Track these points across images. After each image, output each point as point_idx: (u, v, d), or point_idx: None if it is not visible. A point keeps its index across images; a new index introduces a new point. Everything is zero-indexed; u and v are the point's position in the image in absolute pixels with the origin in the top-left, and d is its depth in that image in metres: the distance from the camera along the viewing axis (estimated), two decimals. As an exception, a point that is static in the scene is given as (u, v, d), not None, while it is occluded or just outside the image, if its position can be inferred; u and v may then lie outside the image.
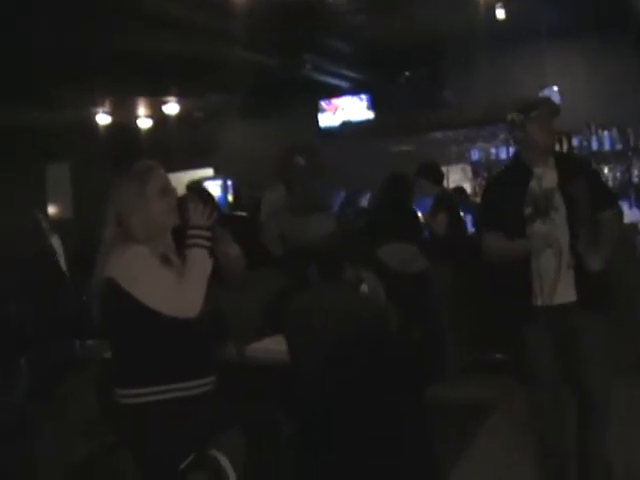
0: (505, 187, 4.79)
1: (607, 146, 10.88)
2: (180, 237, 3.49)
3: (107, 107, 14.16)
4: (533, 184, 4.59)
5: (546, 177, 4.60)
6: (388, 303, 4.64)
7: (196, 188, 9.15)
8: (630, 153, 10.83)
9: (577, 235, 4.47)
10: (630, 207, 10.03)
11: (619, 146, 10.86)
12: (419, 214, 8.10)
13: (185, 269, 3.31)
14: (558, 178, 4.59)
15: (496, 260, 4.76)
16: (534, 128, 4.65)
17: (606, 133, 10.86)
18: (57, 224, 15.67)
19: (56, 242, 7.56)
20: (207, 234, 3.40)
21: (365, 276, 4.65)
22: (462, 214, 8.80)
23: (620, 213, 4.92)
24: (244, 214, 9.00)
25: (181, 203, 3.48)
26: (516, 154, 4.98)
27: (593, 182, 4.65)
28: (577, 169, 4.70)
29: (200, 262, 3.34)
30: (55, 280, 7.21)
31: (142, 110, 14.89)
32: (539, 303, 4.55)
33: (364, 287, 4.51)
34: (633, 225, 8.62)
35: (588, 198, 4.46)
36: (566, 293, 4.52)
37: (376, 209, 8.84)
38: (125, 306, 3.23)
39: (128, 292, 3.21)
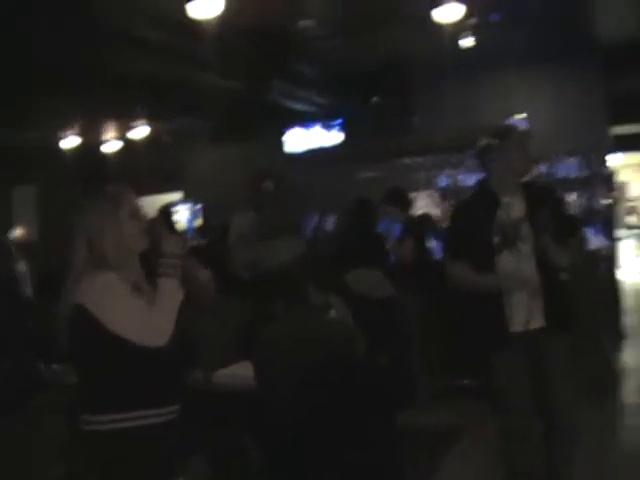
0: (473, 215, 4.81)
1: (573, 173, 10.96)
2: (148, 263, 3.47)
3: (75, 129, 14.09)
4: (501, 213, 4.63)
5: (514, 206, 4.65)
6: (356, 328, 4.65)
7: (168, 213, 9.17)
8: (595, 180, 10.93)
9: (544, 265, 4.54)
10: (594, 233, 10.12)
11: (584, 173, 10.95)
12: (386, 239, 8.10)
13: (156, 298, 3.29)
14: (526, 208, 4.64)
15: (462, 289, 4.78)
16: (513, 152, 4.70)
17: (572, 160, 10.95)
18: (23, 246, 15.61)
19: (22, 267, 7.53)
20: (178, 263, 3.39)
21: (333, 301, 4.66)
22: (430, 240, 8.84)
23: (583, 239, 4.98)
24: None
25: (150, 227, 3.47)
26: (483, 181, 5.00)
27: (558, 211, 4.73)
28: (543, 198, 4.74)
29: (171, 292, 3.33)
30: (18, 305, 7.17)
31: (111, 133, 14.83)
32: (513, 330, 4.60)
33: (333, 312, 4.52)
34: (597, 251, 8.72)
35: (553, 227, 4.52)
36: (533, 320, 4.60)
37: (342, 234, 8.86)
38: (93, 333, 3.20)
39: (97, 319, 3.18)
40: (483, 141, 4.87)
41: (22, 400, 5.67)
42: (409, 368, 7.61)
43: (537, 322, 4.62)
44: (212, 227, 10.69)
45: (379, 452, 4.00)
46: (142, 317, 3.21)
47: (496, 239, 4.59)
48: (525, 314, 4.60)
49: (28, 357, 6.24)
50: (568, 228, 4.78)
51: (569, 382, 4.73)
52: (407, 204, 8.38)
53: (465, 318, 5.11)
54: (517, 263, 4.58)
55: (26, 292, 7.56)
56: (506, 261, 4.59)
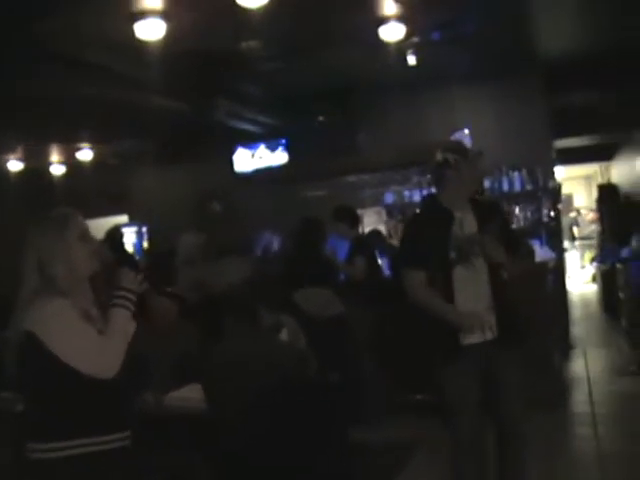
0: (426, 230, 4.86)
1: (517, 187, 11.08)
2: (95, 287, 3.45)
3: (19, 154, 13.95)
4: (456, 229, 4.70)
5: (466, 222, 4.74)
6: (307, 347, 4.66)
7: (115, 236, 9.10)
8: (540, 193, 11.07)
9: (495, 279, 4.69)
10: (541, 246, 10.25)
11: (529, 186, 11.07)
12: (333, 257, 8.11)
13: (107, 329, 3.26)
14: (477, 223, 4.75)
15: (419, 305, 4.83)
16: (467, 170, 4.79)
17: (516, 174, 11.07)
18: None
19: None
20: (133, 298, 3.37)
21: (285, 321, 4.66)
22: (379, 257, 8.88)
23: (530, 252, 5.10)
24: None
25: (100, 250, 3.45)
26: (433, 197, 5.07)
27: (504, 226, 4.92)
28: (491, 213, 4.88)
29: (123, 324, 3.30)
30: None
31: (55, 157, 14.70)
32: (465, 342, 4.70)
33: (284, 332, 4.52)
34: (544, 263, 8.82)
35: (501, 243, 4.65)
36: (488, 332, 4.71)
37: (288, 254, 8.85)
38: (42, 361, 3.16)
39: (46, 347, 3.14)
40: (439, 156, 4.91)
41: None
42: (360, 385, 7.62)
43: (489, 334, 4.72)
44: (157, 249, 10.64)
45: (332, 469, 4.00)
46: (91, 347, 3.17)
47: (451, 254, 4.66)
48: (478, 327, 4.68)
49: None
50: (513, 243, 4.89)
51: (519, 392, 4.82)
52: (355, 221, 8.41)
53: (417, 332, 5.16)
54: (471, 277, 4.68)
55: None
56: (460, 275, 4.68)
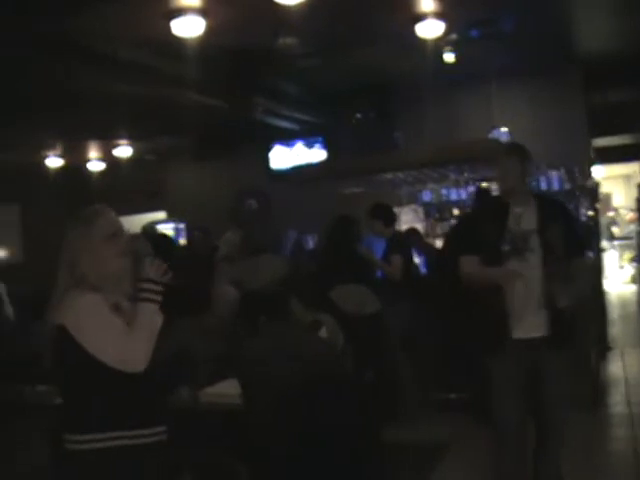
0: (483, 222, 4.99)
1: (556, 186, 10.99)
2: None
3: (58, 150, 14.10)
4: (512, 223, 4.77)
5: (525, 218, 4.78)
6: (345, 346, 4.65)
7: (152, 232, 9.15)
8: (578, 192, 10.97)
9: (549, 276, 4.66)
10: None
11: (567, 185, 10.98)
12: (370, 255, 8.09)
13: (134, 323, 3.27)
14: (537, 221, 4.77)
15: (472, 284, 4.94)
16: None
17: (554, 173, 10.98)
18: (6, 267, 15.57)
19: (1, 289, 7.52)
20: (159, 289, 3.36)
21: (324, 319, 4.66)
22: (415, 255, 8.85)
23: (587, 260, 5.05)
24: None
25: (131, 248, 3.44)
26: (487, 191, 5.18)
27: (569, 228, 4.85)
28: (557, 213, 4.90)
29: (150, 317, 3.29)
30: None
31: (94, 153, 14.83)
32: (513, 336, 4.75)
33: (323, 330, 4.51)
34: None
35: (562, 244, 4.69)
36: (537, 329, 4.74)
37: (323, 251, 8.84)
38: (74, 354, 3.18)
39: (76, 340, 3.17)
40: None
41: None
42: (395, 383, 7.61)
43: (539, 331, 4.75)
44: (196, 246, 10.67)
45: (364, 468, 3.99)
46: (120, 342, 3.18)
47: (505, 247, 4.73)
48: (527, 322, 4.73)
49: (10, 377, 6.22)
50: (576, 248, 4.89)
51: (562, 395, 4.86)
52: (391, 219, 8.37)
53: (463, 324, 5.45)
54: (522, 271, 4.70)
55: (6, 314, 7.51)
56: (513, 267, 4.73)
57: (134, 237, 3.53)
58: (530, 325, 4.74)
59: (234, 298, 5.98)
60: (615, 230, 20.36)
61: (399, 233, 8.61)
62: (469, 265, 4.95)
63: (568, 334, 4.84)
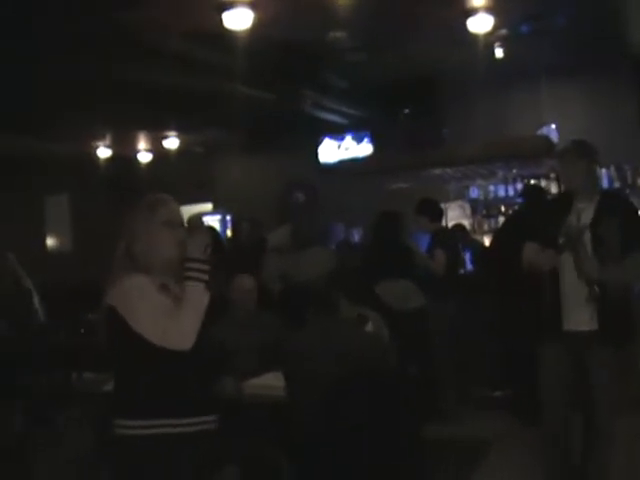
0: (546, 213, 5.30)
1: (605, 184, 10.88)
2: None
3: (108, 141, 14.22)
4: (572, 218, 4.84)
5: (585, 213, 4.85)
6: (389, 341, 4.65)
7: (197, 222, 9.18)
8: (628, 191, 10.85)
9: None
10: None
11: (617, 184, 10.87)
12: (414, 250, 8.07)
13: (182, 302, 3.27)
14: (593, 216, 4.84)
15: (533, 270, 5.02)
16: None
17: (604, 171, 10.86)
18: (56, 256, 15.76)
19: (29, 284, 7.63)
20: (205, 267, 3.35)
21: (370, 315, 4.67)
22: (462, 251, 8.80)
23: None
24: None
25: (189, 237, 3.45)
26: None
27: (627, 223, 4.83)
28: (615, 208, 4.92)
29: (196, 296, 3.29)
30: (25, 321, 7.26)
31: (142, 144, 14.94)
32: (564, 328, 4.83)
33: (369, 325, 4.52)
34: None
35: (618, 239, 4.71)
36: (588, 322, 4.78)
37: (369, 246, 8.83)
38: (123, 334, 3.20)
39: (125, 320, 3.19)
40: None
41: (52, 407, 5.72)
42: (439, 380, 7.60)
43: (590, 325, 4.78)
44: (243, 239, 10.71)
45: (406, 463, 3.99)
46: (165, 319, 3.19)
47: (561, 240, 4.78)
48: (577, 315, 4.79)
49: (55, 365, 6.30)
50: (634, 243, 4.80)
51: (611, 391, 4.83)
52: (438, 215, 8.34)
53: (509, 320, 6.05)
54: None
55: (35, 307, 7.60)
56: (567, 261, 4.79)
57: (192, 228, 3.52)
58: (579, 318, 4.78)
59: (251, 287, 6.02)
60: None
61: (443, 229, 8.57)
62: (531, 251, 5.06)
63: (619, 330, 4.81)
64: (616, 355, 4.83)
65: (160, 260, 3.37)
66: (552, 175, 10.64)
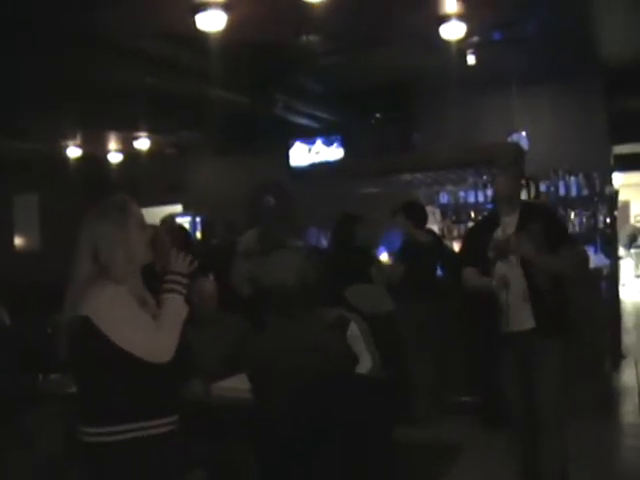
0: (479, 233, 5.61)
1: (574, 191, 10.95)
2: (149, 276, 3.47)
3: (78, 140, 14.14)
4: (498, 231, 5.26)
5: (509, 225, 5.26)
6: (371, 343, 4.68)
7: (171, 224, 9.17)
8: (596, 199, 10.93)
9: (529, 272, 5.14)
10: (595, 252, 10.14)
11: (585, 191, 10.94)
12: (372, 254, 8.07)
13: (161, 314, 3.28)
14: (517, 224, 5.23)
15: (471, 291, 5.43)
16: (498, 177, 5.47)
17: (573, 178, 10.94)
18: (24, 256, 15.66)
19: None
20: (185, 281, 3.38)
21: (352, 317, 4.69)
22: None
23: (580, 252, 5.41)
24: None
25: (154, 239, 3.45)
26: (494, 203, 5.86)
27: (550, 224, 5.24)
28: (535, 215, 5.29)
29: (176, 308, 3.31)
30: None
31: (113, 144, 14.87)
32: (504, 330, 5.19)
33: (352, 326, 4.53)
34: (598, 270, 8.72)
35: (542, 241, 5.05)
36: (525, 322, 5.15)
37: (330, 250, 8.78)
38: (97, 346, 3.18)
39: (103, 333, 3.17)
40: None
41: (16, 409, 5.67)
42: (410, 384, 7.61)
43: (527, 324, 5.14)
44: (217, 242, 10.71)
45: (375, 467, 4.00)
46: (148, 333, 3.20)
47: (491, 253, 5.20)
48: (515, 316, 5.15)
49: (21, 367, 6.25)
50: (561, 238, 5.23)
51: (554, 382, 5.14)
52: (422, 219, 8.26)
53: (464, 325, 6.49)
54: (507, 270, 5.15)
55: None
56: (499, 269, 5.19)
57: (157, 229, 3.53)
58: (519, 318, 5.14)
59: (211, 291, 6.01)
60: (632, 238, 20.18)
61: (413, 242, 8.29)
62: (469, 276, 5.44)
63: (555, 324, 5.14)
64: (555, 349, 5.15)
65: (137, 264, 3.36)
66: (522, 182, 10.70)
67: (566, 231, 5.88)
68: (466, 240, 6.30)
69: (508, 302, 5.13)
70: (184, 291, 3.36)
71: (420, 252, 7.95)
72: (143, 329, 3.20)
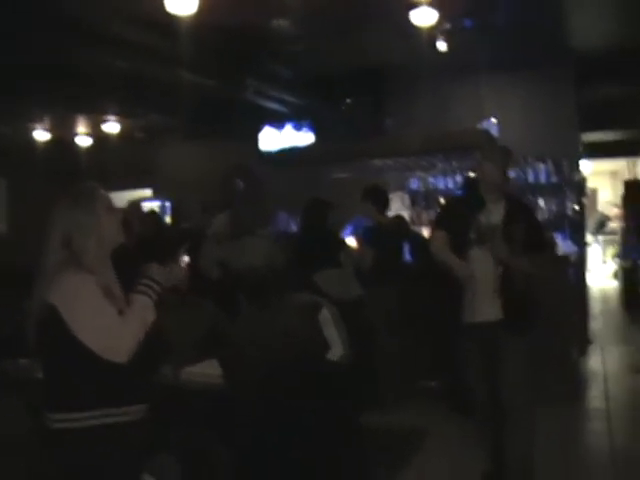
0: (460, 208, 5.57)
1: (543, 178, 11.01)
2: (121, 257, 3.47)
3: (46, 124, 14.01)
4: (483, 216, 5.17)
5: (494, 214, 5.18)
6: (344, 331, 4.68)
7: (137, 207, 9.11)
8: (565, 186, 11.00)
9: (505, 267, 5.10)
10: (564, 239, 10.20)
11: (554, 178, 11.00)
12: (341, 239, 8.09)
13: (127, 313, 3.27)
14: (503, 219, 5.16)
15: (437, 262, 5.35)
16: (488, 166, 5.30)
17: (542, 165, 11.00)
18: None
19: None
20: (158, 289, 3.38)
21: (323, 302, 4.68)
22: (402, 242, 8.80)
23: (552, 245, 5.44)
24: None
25: (125, 220, 3.47)
26: (475, 182, 5.69)
27: (530, 226, 5.23)
28: (520, 212, 5.29)
29: (143, 310, 3.31)
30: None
31: (81, 128, 14.75)
32: (470, 320, 5.22)
33: (324, 312, 4.52)
34: (566, 256, 8.79)
35: (521, 240, 5.04)
36: (492, 313, 5.13)
37: (298, 234, 8.79)
38: (61, 335, 3.17)
39: (66, 322, 3.16)
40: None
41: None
42: (378, 369, 7.63)
43: (494, 315, 5.12)
44: (187, 224, 10.68)
45: (344, 452, 4.02)
46: (109, 330, 3.18)
47: (472, 236, 5.13)
48: (485, 307, 5.14)
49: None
50: (537, 244, 5.25)
51: (519, 374, 5.12)
52: (385, 204, 8.26)
53: (430, 311, 6.27)
54: (484, 260, 5.11)
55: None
56: (475, 255, 5.15)
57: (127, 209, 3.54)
58: (488, 310, 5.12)
59: (181, 276, 5.98)
60: (613, 225, 20.22)
61: (379, 226, 8.30)
62: (438, 239, 5.39)
63: (523, 319, 5.14)
64: (521, 342, 5.14)
65: (106, 249, 3.36)
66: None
67: (543, 235, 5.79)
68: (447, 209, 6.30)
69: (475, 292, 5.13)
70: (155, 297, 3.35)
71: (385, 237, 7.97)
72: (105, 326, 3.18)
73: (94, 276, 3.24)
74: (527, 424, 5.14)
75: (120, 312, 3.26)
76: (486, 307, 5.12)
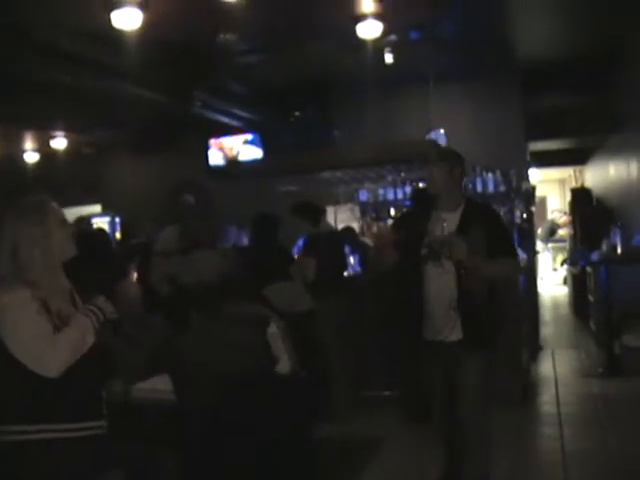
0: (414, 222, 5.08)
1: (491, 188, 11.10)
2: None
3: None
4: (437, 228, 4.80)
5: (451, 222, 4.82)
6: (289, 343, 4.66)
7: (86, 227, 9.03)
8: (513, 195, 11.11)
9: (462, 282, 4.79)
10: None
11: (502, 188, 11.09)
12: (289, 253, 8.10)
13: (64, 330, 3.25)
14: (458, 226, 4.82)
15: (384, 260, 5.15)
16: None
17: (490, 175, 11.08)
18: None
19: None
20: (102, 317, 3.37)
21: (271, 316, 4.66)
22: (350, 254, 8.84)
23: (517, 263, 5.19)
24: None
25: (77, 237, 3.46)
26: (425, 193, 5.45)
27: (493, 231, 4.89)
28: (480, 218, 4.92)
29: (82, 331, 3.28)
30: None
31: (29, 144, 14.61)
32: (427, 338, 4.93)
33: (273, 325, 4.50)
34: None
35: (483, 246, 4.73)
36: (451, 333, 4.85)
37: (248, 248, 8.78)
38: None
39: (1, 336, 3.16)
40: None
41: None
42: (329, 381, 7.63)
43: (454, 335, 4.85)
44: (135, 240, 10.61)
45: (297, 464, 4.02)
46: (40, 346, 3.16)
47: (424, 251, 4.82)
48: (441, 325, 4.86)
49: None
50: (501, 248, 4.92)
51: (476, 395, 4.91)
52: (317, 218, 8.26)
53: (385, 326, 6.08)
54: (438, 276, 4.82)
55: None
56: (430, 272, 4.85)
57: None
58: (443, 328, 4.87)
59: (134, 294, 5.94)
60: (562, 232, 20.42)
61: (318, 234, 8.35)
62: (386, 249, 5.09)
63: (482, 338, 4.92)
64: (480, 363, 4.92)
65: (55, 262, 3.34)
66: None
67: (510, 239, 5.57)
68: (396, 225, 5.77)
69: (433, 311, 4.88)
70: (97, 324, 3.33)
71: (324, 245, 7.98)
72: (36, 341, 3.16)
73: (30, 290, 3.22)
74: (485, 444, 5.01)
75: (56, 328, 3.23)
76: (445, 326, 4.85)
